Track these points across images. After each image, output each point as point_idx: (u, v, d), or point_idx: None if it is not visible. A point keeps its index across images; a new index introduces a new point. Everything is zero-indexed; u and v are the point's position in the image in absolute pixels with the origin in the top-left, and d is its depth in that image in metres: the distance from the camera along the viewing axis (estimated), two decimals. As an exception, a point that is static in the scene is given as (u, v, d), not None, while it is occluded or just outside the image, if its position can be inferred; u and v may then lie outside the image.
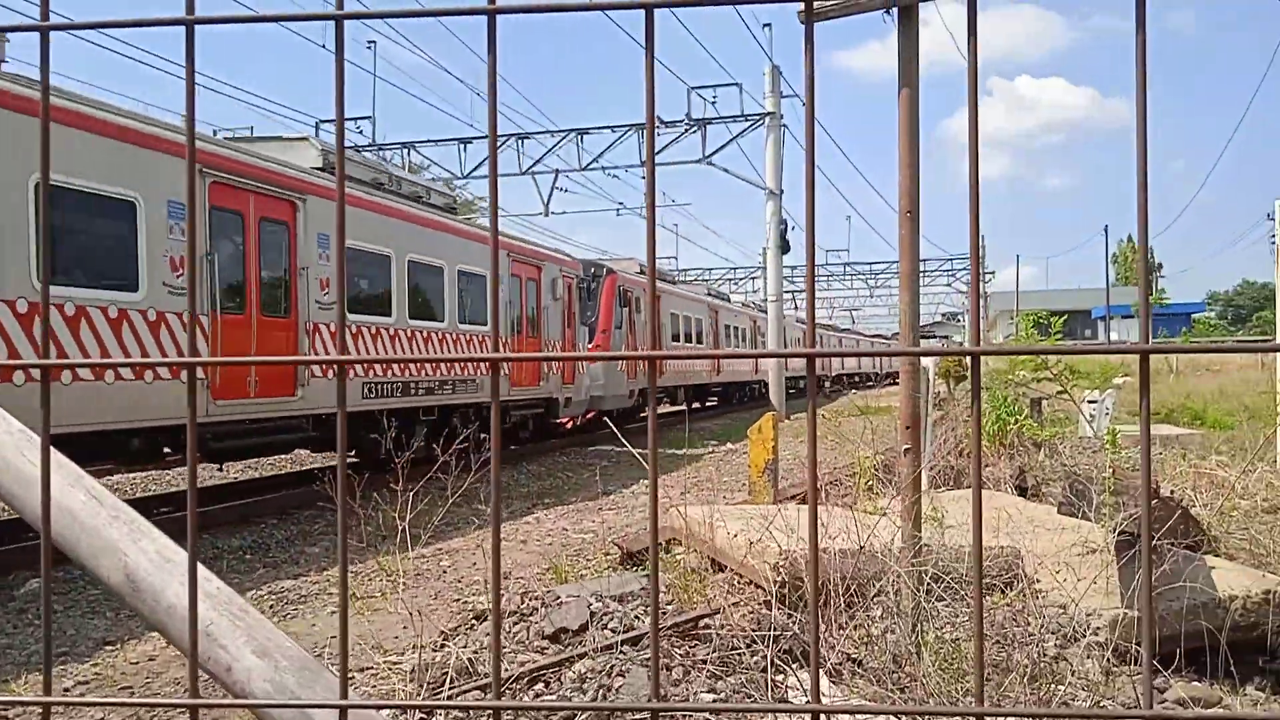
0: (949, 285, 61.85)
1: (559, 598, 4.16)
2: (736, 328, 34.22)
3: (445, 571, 8.86)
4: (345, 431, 0.97)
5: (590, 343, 20.50)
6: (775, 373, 27.68)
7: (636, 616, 3.91)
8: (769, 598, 4.36)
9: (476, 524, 11.48)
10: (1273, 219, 12.75)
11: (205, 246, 10.12)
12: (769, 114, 25.57)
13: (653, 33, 0.95)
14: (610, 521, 11.12)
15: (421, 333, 13.97)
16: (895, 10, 3.23)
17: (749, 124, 25.85)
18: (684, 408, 25.21)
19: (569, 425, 20.55)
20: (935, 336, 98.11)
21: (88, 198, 8.85)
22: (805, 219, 0.96)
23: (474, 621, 4.46)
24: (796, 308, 52.60)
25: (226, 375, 10.14)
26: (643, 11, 0.95)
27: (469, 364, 14.65)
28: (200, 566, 1.48)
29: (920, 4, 3.57)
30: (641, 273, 22.30)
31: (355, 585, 7.98)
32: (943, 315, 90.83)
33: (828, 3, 2.90)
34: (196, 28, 0.95)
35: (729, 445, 20.01)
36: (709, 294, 33.71)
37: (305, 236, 11.45)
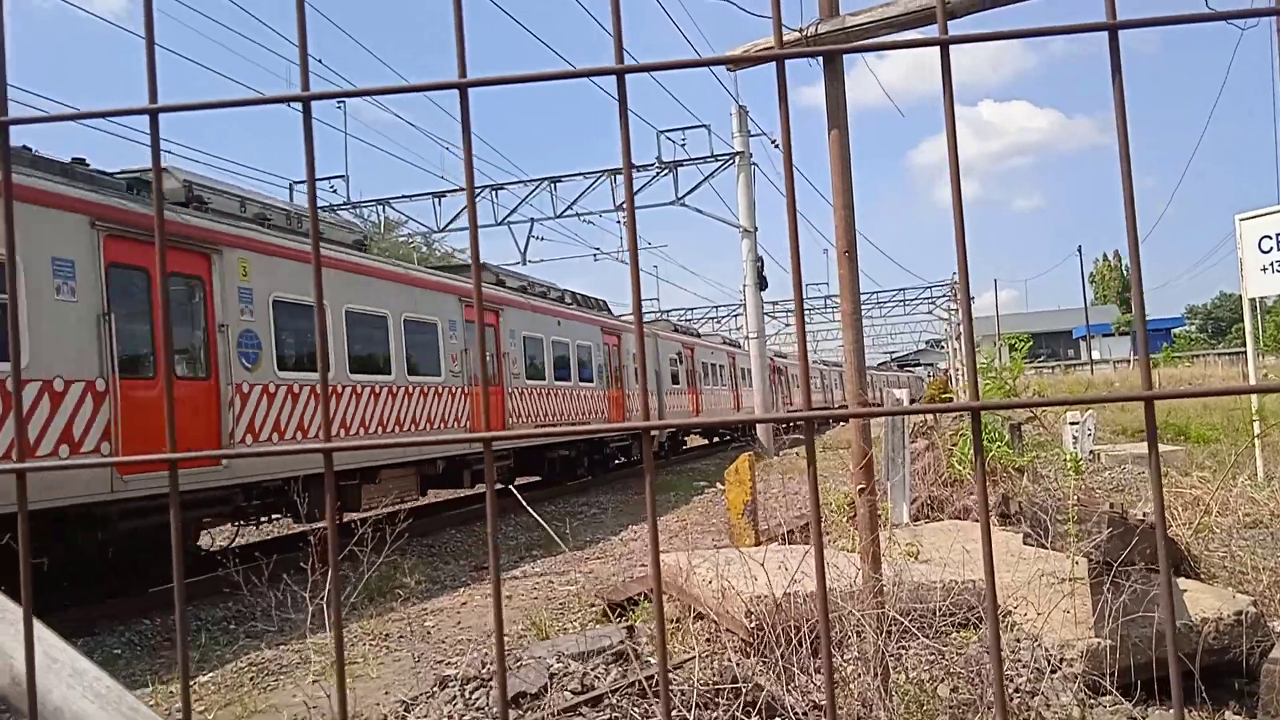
0: (930, 313, 62.16)
1: (520, 659, 4.10)
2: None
3: (430, 632, 8.74)
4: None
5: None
6: (761, 411, 27.69)
7: (597, 675, 3.85)
8: (740, 643, 4.31)
9: (463, 580, 11.38)
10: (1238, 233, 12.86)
11: (463, 345, 16.46)
12: (738, 154, 25.82)
13: (624, 96, 0.97)
14: (597, 571, 11.02)
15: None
16: (820, 57, 3.30)
17: (719, 164, 26.08)
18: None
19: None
20: (919, 364, 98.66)
21: (424, 323, 15.31)
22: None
23: (435, 689, 4.40)
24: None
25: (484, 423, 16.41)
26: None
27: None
28: (89, 663, 1.45)
29: (845, 53, 3.63)
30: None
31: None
32: (926, 343, 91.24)
33: (745, 55, 2.94)
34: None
35: (719, 486, 19.93)
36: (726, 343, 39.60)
37: (505, 332, 17.96)
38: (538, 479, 20.51)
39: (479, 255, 1.01)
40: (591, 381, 21.99)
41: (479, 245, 1.01)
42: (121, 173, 10.92)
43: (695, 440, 34.23)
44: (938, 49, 0.91)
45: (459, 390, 16.12)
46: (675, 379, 27.25)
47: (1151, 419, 0.89)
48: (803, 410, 0.97)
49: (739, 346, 37.04)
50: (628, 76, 0.99)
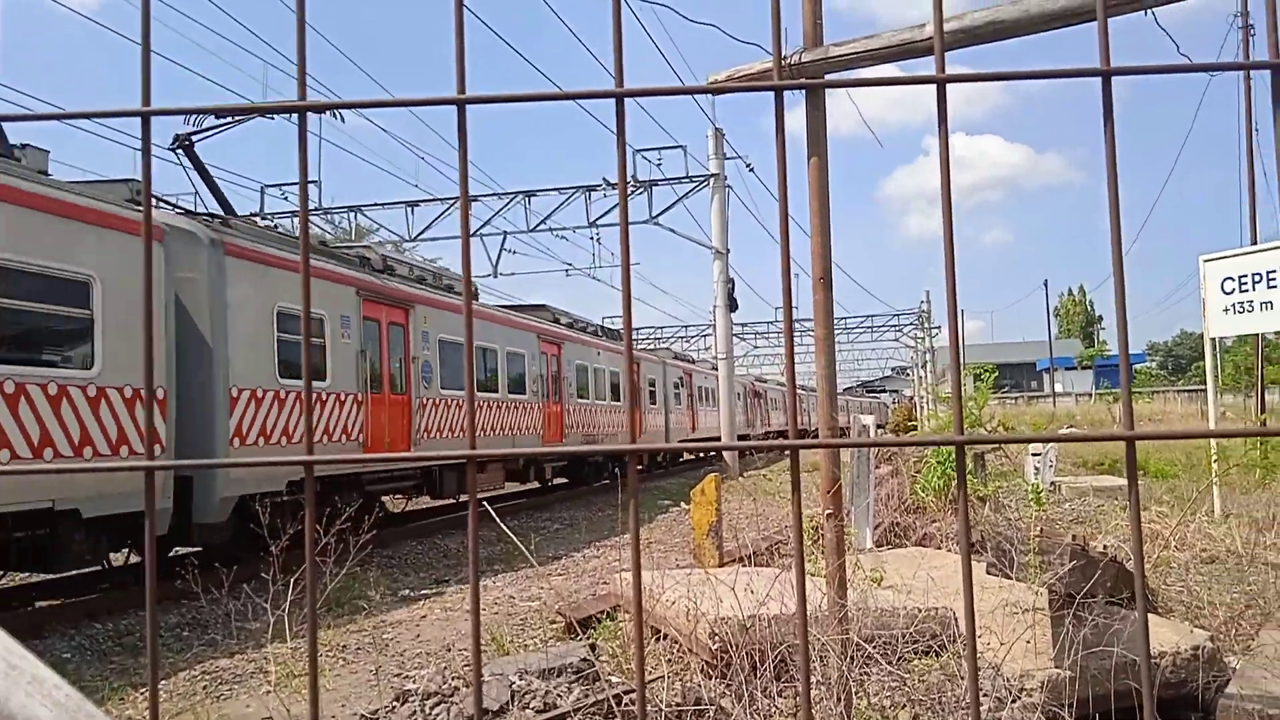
0: (896, 340, 62.68)
1: (480, 675, 4.05)
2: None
3: (388, 645, 8.64)
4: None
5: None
6: (727, 431, 27.81)
7: (560, 694, 3.82)
8: (704, 665, 4.30)
9: (423, 593, 11.27)
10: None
11: (540, 370, 21.01)
12: (713, 175, 25.95)
13: (623, 119, 0.97)
14: (559, 587, 10.94)
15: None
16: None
17: (694, 185, 26.19)
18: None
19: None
20: (884, 390, 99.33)
21: (517, 354, 19.61)
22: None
23: (394, 704, 4.35)
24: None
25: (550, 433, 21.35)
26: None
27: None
28: (49, 671, 1.42)
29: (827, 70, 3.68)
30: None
31: (292, 663, 7.74)
32: (892, 370, 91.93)
33: (726, 82, 2.95)
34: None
35: (684, 505, 19.89)
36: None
37: (565, 361, 22.65)
38: (565, 480, 24.70)
39: (470, 273, 1.01)
40: (619, 401, 26.97)
41: (470, 258, 1.01)
42: (343, 246, 16.68)
43: (687, 455, 38.52)
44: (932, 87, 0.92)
45: (537, 405, 20.71)
46: (679, 400, 33.26)
47: (1132, 459, 0.91)
48: (789, 438, 0.98)
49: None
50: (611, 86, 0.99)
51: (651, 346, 47.44)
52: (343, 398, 13.34)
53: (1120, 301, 0.90)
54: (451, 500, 19.72)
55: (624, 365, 26.37)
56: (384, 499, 15.89)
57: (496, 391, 18.52)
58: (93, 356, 9.53)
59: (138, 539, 10.01)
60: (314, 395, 11.62)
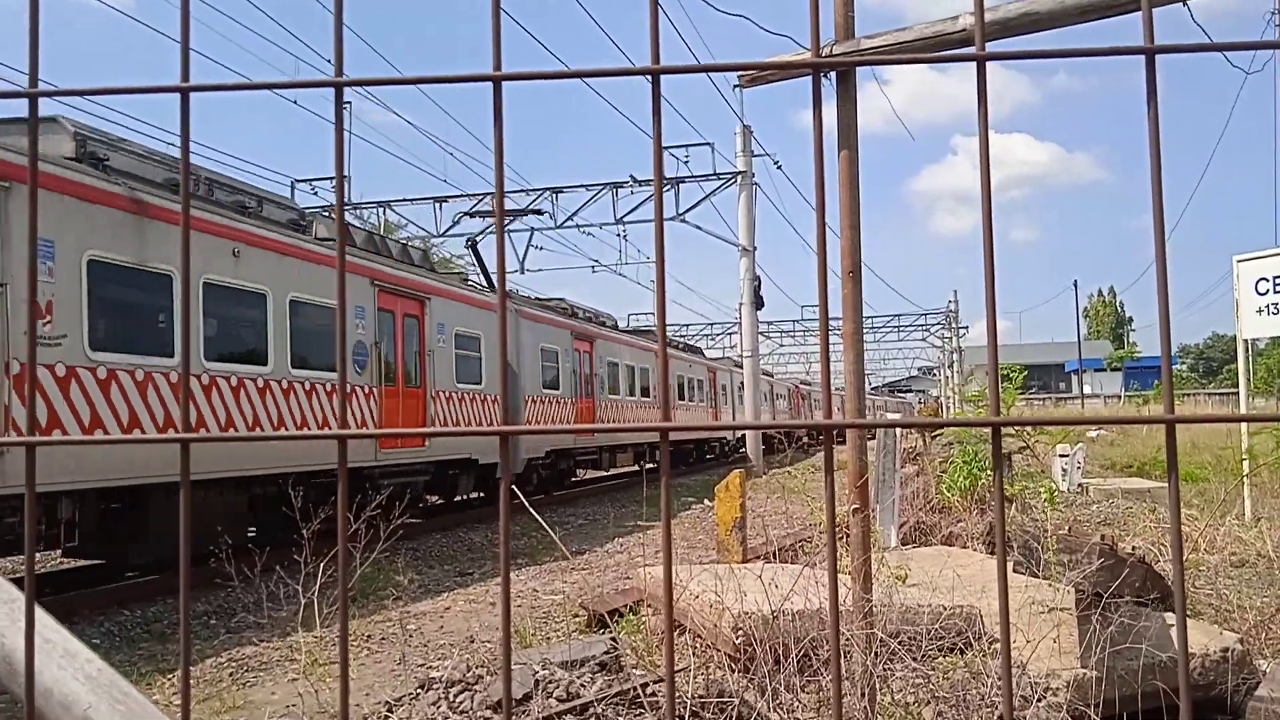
0: (924, 340, 62.30)
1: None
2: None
3: (411, 635, 8.69)
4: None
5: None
6: (752, 422, 27.78)
7: (583, 684, 3.84)
8: (727, 659, 4.29)
9: (447, 585, 11.33)
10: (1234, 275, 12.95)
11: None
12: (741, 173, 25.88)
13: (659, 98, 0.96)
14: (582, 582, 10.96)
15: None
16: (834, 74, 3.32)
17: (721, 182, 26.13)
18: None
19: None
20: (911, 390, 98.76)
21: (643, 369, 27.43)
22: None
23: (418, 691, 4.38)
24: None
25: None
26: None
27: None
28: (81, 645, 1.44)
29: (858, 69, 3.67)
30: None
31: (319, 651, 7.79)
32: (919, 370, 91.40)
33: (779, 63, 2.94)
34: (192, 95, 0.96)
35: (707, 502, 19.85)
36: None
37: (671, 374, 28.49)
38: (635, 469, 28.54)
39: (505, 255, 1.02)
40: (704, 402, 34.43)
41: (504, 241, 1.01)
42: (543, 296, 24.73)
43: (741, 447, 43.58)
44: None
45: (652, 406, 27.24)
46: (740, 400, 38.44)
47: (1173, 443, 0.89)
48: (823, 420, 0.97)
49: (772, 375, 49.89)
50: (639, 85, 0.99)
51: (722, 355, 49.95)
52: (565, 401, 21.38)
53: (1162, 281, 0.89)
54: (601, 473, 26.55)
55: (701, 373, 34.61)
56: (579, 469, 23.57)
57: (635, 395, 26.56)
58: (481, 377, 17.64)
59: (486, 478, 18.23)
60: (554, 399, 20.91)
